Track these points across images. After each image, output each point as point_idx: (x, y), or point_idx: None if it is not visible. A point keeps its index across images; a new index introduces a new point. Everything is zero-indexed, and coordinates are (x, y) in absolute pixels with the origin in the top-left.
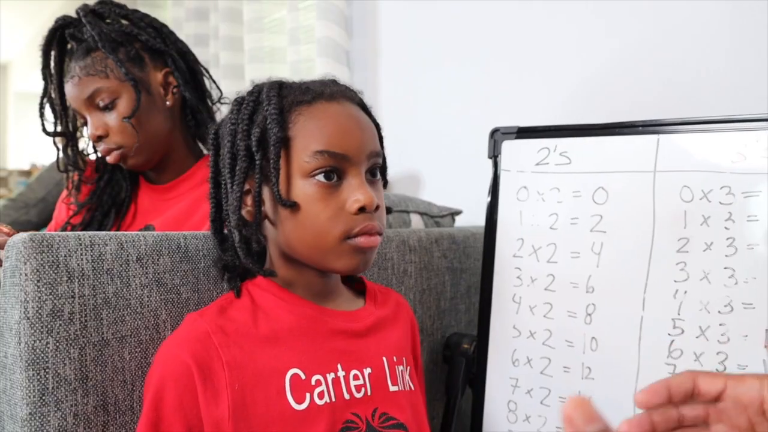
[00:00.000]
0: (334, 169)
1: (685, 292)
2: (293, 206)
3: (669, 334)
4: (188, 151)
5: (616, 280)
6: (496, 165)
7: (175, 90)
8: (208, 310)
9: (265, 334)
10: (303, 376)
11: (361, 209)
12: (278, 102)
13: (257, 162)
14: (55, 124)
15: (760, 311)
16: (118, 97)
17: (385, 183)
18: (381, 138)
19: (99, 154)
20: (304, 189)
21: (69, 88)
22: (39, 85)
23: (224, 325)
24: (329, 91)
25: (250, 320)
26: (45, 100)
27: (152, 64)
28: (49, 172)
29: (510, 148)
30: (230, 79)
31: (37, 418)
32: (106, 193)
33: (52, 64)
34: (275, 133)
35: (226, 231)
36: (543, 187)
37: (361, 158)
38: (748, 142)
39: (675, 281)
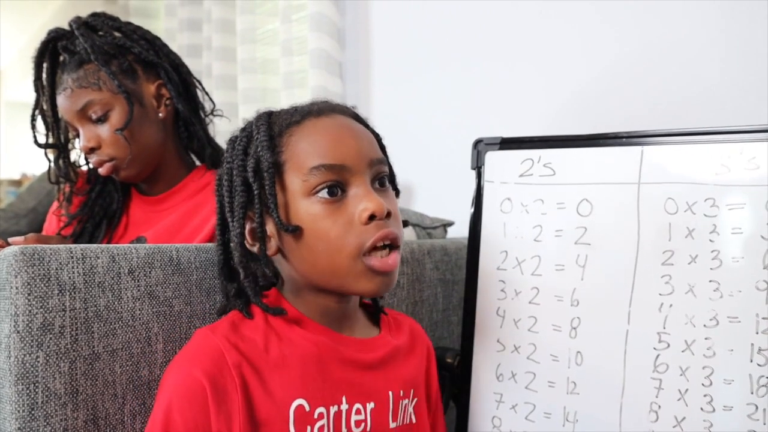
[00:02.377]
0: (336, 183)
1: (671, 305)
2: (296, 231)
3: (654, 348)
4: (180, 163)
5: (601, 294)
6: (479, 176)
7: (167, 102)
8: (220, 326)
9: (275, 359)
10: (307, 408)
11: (371, 217)
12: (267, 129)
13: (256, 192)
14: (47, 136)
15: (746, 325)
16: (111, 109)
17: (397, 192)
18: (383, 147)
19: (91, 166)
20: (308, 209)
21: (61, 100)
22: (30, 94)
23: (237, 343)
24: (317, 108)
25: (262, 343)
26: (37, 111)
27: (145, 76)
28: (40, 182)
29: (493, 159)
30: (223, 89)
31: None
32: (97, 204)
33: (44, 76)
34: (267, 159)
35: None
36: (527, 199)
37: (361, 166)
38: (732, 154)
39: (660, 294)
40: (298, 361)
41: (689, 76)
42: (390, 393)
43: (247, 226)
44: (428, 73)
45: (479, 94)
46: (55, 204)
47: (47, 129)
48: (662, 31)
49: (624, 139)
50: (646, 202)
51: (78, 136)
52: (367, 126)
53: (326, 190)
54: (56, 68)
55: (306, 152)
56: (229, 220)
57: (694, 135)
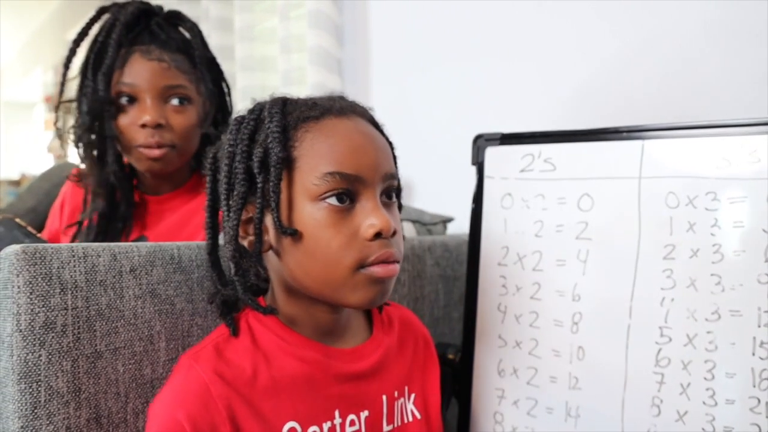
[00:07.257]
0: (347, 192)
1: (672, 299)
2: (294, 234)
3: (656, 343)
4: (189, 167)
5: (603, 288)
6: (480, 172)
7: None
8: (204, 351)
9: (264, 385)
10: (299, 430)
11: (377, 235)
12: (281, 119)
13: (259, 185)
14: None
15: (748, 318)
16: (191, 103)
17: (400, 206)
18: (395, 158)
19: (143, 143)
20: (313, 214)
21: (149, 66)
22: (29, 94)
23: (223, 371)
24: (339, 106)
25: (250, 369)
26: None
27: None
28: (40, 182)
29: (494, 154)
30: None
31: (29, 431)
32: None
33: (117, 35)
34: (276, 152)
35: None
36: (527, 194)
37: (375, 179)
38: (733, 147)
39: (661, 289)
40: (288, 383)
41: (689, 70)
42: (384, 397)
43: (243, 217)
44: (427, 69)
45: (479, 89)
46: (57, 202)
47: (93, 74)
48: (662, 25)
49: (624, 134)
50: (647, 196)
51: (112, 109)
52: (383, 133)
53: (335, 197)
54: (128, 33)
55: (322, 154)
56: (225, 209)
57: (694, 129)
